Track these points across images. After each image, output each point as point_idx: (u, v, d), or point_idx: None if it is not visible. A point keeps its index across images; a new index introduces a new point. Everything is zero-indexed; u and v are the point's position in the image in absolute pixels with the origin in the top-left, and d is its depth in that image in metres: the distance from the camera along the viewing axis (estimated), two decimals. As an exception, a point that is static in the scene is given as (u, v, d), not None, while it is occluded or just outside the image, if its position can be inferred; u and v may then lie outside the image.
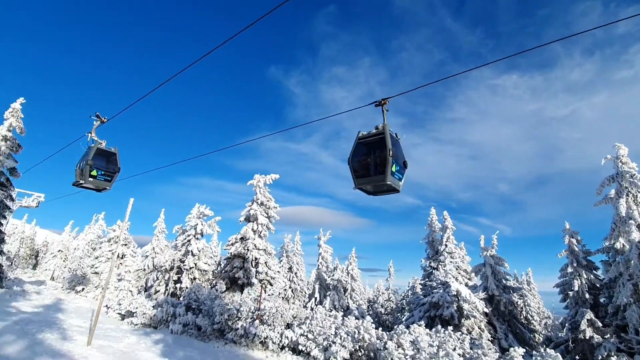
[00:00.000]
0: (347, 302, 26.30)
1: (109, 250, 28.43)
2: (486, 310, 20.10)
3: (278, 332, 13.52)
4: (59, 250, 41.99)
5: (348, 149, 5.83)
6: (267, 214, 24.48)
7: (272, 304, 15.01)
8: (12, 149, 18.12)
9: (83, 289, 26.22)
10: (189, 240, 23.67)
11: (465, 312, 19.18)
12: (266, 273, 23.27)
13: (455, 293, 19.16)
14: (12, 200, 18.80)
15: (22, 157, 19.18)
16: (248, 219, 24.51)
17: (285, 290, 34.17)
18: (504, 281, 22.48)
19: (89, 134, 7.45)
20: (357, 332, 13.26)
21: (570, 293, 20.01)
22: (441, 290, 20.26)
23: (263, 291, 15.55)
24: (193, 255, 23.55)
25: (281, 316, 14.71)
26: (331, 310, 24.04)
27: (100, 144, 7.33)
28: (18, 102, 18.27)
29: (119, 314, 16.45)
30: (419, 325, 14.00)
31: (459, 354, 11.94)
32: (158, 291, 23.39)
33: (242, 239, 23.80)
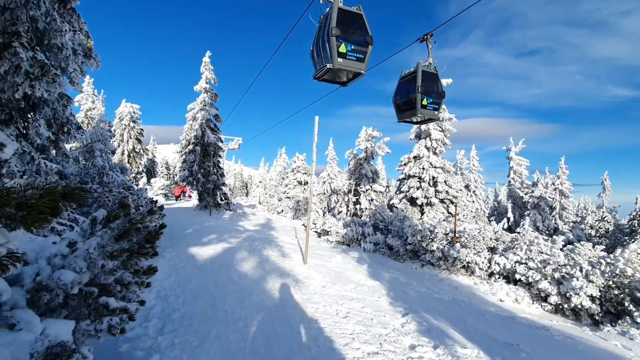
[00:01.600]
0: (556, 223, 21.37)
1: (294, 179, 32.47)
2: None
3: (485, 257, 11.61)
4: (260, 182, 52.24)
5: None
6: (441, 127, 21.35)
7: (472, 225, 12.99)
8: (212, 99, 21.40)
9: (282, 210, 31.44)
10: (361, 164, 23.73)
11: None
12: (447, 192, 21.08)
13: None
14: (222, 142, 22.83)
15: (219, 105, 22.39)
16: (419, 136, 22.18)
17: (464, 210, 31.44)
18: None
19: None
20: (603, 263, 9.83)
21: None
22: None
23: (452, 212, 13.62)
24: (367, 177, 23.64)
25: (482, 239, 12.64)
26: (533, 232, 20.02)
27: (339, 2, 4.95)
28: (207, 56, 20.92)
29: (315, 232, 18.33)
30: None
31: None
32: (340, 212, 25.22)
33: (415, 157, 21.98)
